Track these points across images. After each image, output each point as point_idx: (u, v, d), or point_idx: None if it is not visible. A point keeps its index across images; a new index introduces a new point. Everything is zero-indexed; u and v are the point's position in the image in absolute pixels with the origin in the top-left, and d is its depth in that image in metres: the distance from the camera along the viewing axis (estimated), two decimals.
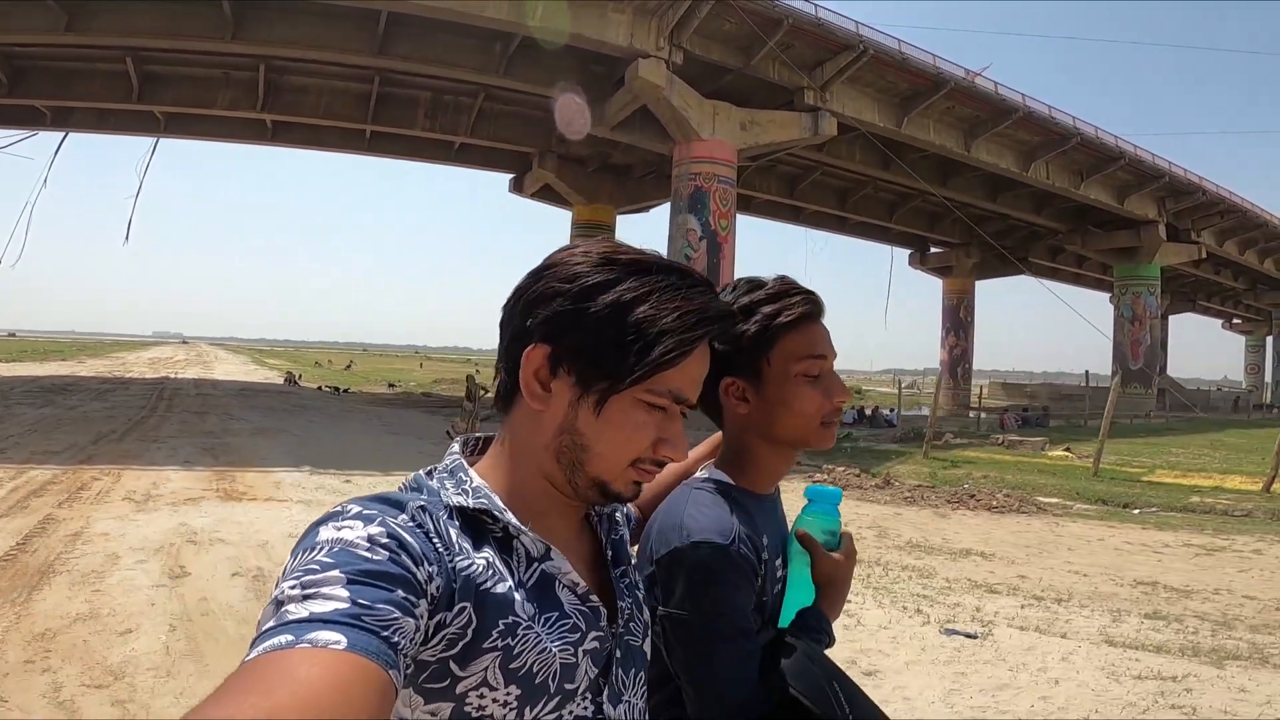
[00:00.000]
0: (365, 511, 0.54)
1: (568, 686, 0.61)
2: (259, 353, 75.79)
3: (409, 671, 0.52)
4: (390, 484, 7.05)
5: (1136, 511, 7.86)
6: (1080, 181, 25.05)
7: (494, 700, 0.57)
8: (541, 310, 0.62)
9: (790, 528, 0.92)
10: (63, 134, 20.88)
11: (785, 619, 0.86)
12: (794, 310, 0.85)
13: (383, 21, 16.19)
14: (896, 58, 19.04)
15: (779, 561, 0.88)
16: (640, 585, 0.75)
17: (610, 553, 0.72)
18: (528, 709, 0.59)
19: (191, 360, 42.55)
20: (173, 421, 11.84)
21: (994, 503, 7.93)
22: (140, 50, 17.17)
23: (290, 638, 0.42)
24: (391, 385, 27.31)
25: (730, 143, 18.27)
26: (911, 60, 19.42)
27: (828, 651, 0.83)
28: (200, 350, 66.66)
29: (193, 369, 31.20)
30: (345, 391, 22.18)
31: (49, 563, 4.46)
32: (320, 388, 22.76)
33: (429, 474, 0.66)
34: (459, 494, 0.62)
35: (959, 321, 33.09)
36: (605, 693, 0.65)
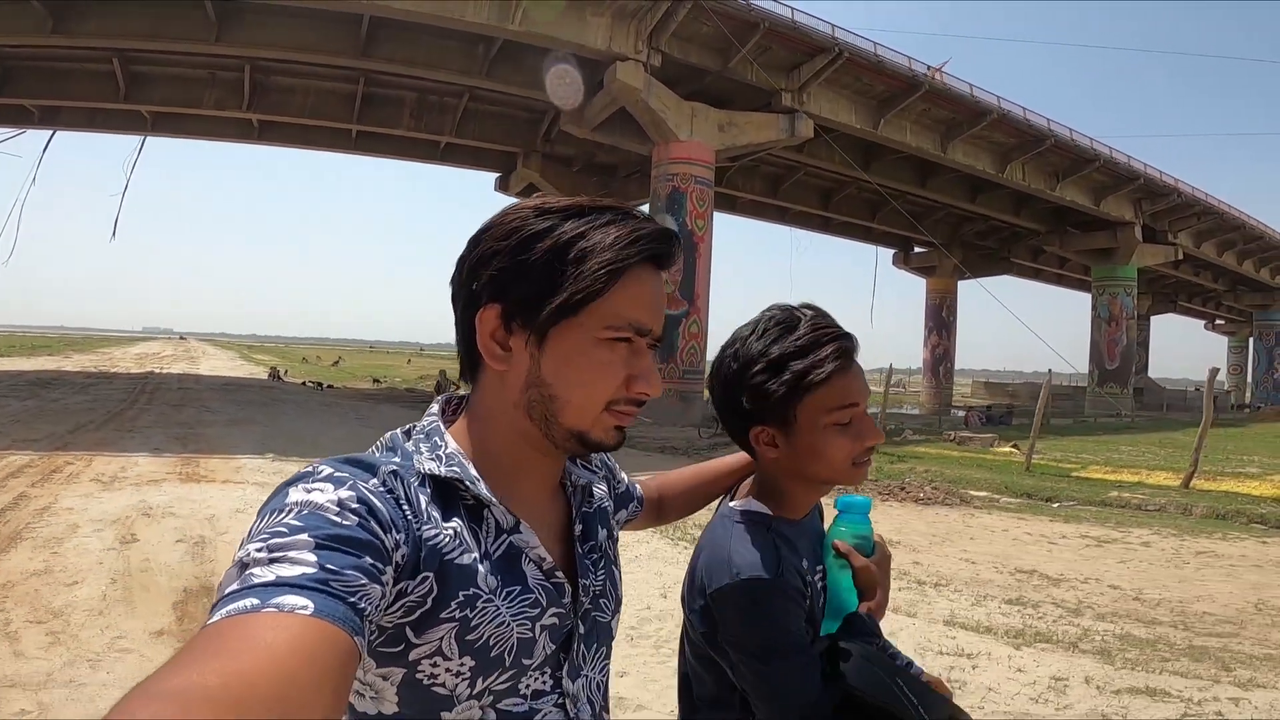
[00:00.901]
0: (336, 474, 0.54)
1: (524, 661, 0.62)
2: (248, 349, 75.92)
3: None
4: None
5: (1055, 505, 8.14)
6: (1056, 183, 25.45)
7: (447, 670, 0.58)
8: (484, 271, 0.62)
9: (826, 535, 0.96)
10: (51, 132, 21.15)
11: (828, 626, 0.90)
12: (825, 367, 0.84)
13: (365, 24, 16.51)
14: (872, 60, 19.41)
15: (816, 575, 0.92)
16: (616, 558, 0.76)
17: (580, 526, 0.71)
18: (480, 679, 0.59)
19: (179, 355, 42.66)
20: (150, 413, 12.15)
21: (921, 495, 8.20)
22: (127, 51, 17.45)
23: (256, 601, 0.41)
24: (376, 381, 27.58)
25: (708, 144, 18.60)
26: (886, 63, 19.79)
27: None
28: (189, 346, 66.76)
29: (179, 364, 31.36)
30: (329, 387, 22.45)
31: (17, 531, 4.90)
32: (304, 383, 23.05)
33: (406, 434, 0.65)
34: (433, 459, 0.61)
35: (941, 321, 33.51)
36: (565, 667, 0.65)
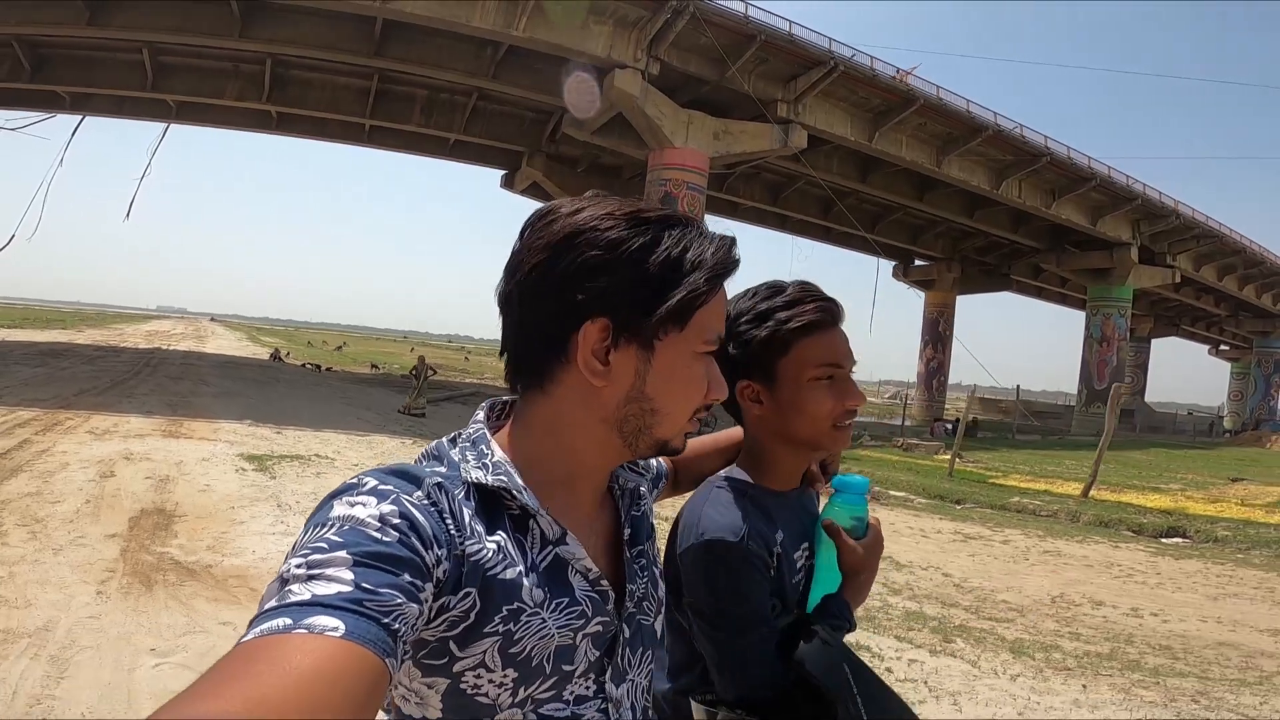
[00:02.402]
0: (380, 487, 0.53)
1: (565, 668, 0.61)
2: (257, 330, 77.73)
3: (406, 654, 0.52)
4: (318, 439, 8.15)
5: (959, 506, 8.68)
6: (1053, 201, 25.70)
7: (490, 680, 0.58)
8: (591, 284, 0.59)
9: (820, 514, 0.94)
10: (80, 117, 22.23)
11: (811, 604, 0.89)
12: (805, 316, 0.86)
13: (379, 25, 17.35)
14: (867, 74, 19.90)
15: (799, 552, 0.91)
16: (658, 562, 0.75)
17: (629, 530, 0.71)
18: (522, 688, 0.59)
19: (188, 334, 44.23)
20: (150, 383, 13.15)
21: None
22: (155, 43, 18.45)
23: (289, 621, 0.42)
24: (374, 366, 28.40)
25: (702, 151, 19.22)
26: (881, 76, 20.27)
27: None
28: (199, 325, 68.52)
29: (186, 342, 32.69)
30: (327, 370, 23.30)
31: (18, 465, 5.87)
32: (303, 365, 23.91)
33: (452, 441, 0.65)
34: (479, 468, 0.61)
35: (938, 335, 33.81)
36: (609, 672, 0.65)
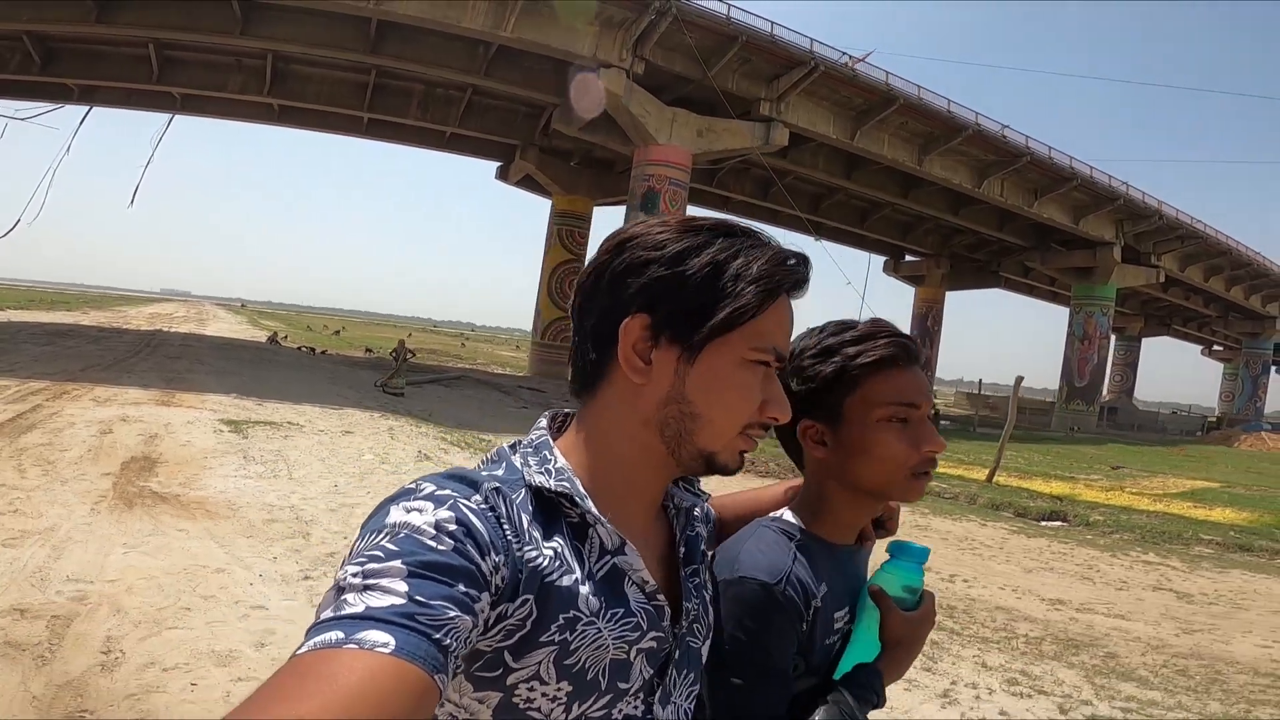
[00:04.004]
0: (438, 492, 0.53)
1: (621, 685, 0.60)
2: (259, 314, 78.86)
3: (459, 666, 0.51)
4: (295, 410, 8.99)
5: None
6: (1035, 200, 26.18)
7: (543, 694, 0.57)
8: (634, 280, 0.61)
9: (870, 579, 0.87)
10: (88, 108, 23.08)
11: (841, 672, 0.82)
12: (874, 353, 0.80)
13: (374, 24, 18.09)
14: (847, 73, 20.47)
15: (840, 613, 0.84)
16: (709, 587, 0.74)
17: (683, 549, 0.70)
18: (576, 704, 0.58)
19: (190, 317, 45.24)
20: (149, 361, 14.13)
21: (766, 470, 9.06)
22: (160, 38, 19.25)
23: (340, 635, 0.42)
24: (368, 350, 29.21)
25: (685, 148, 19.88)
26: (862, 76, 20.85)
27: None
28: (202, 309, 69.84)
29: (187, 325, 33.54)
30: (322, 352, 24.10)
31: (33, 424, 6.85)
32: (300, 348, 24.74)
33: (512, 448, 0.65)
34: (541, 474, 0.61)
35: (926, 330, 34.46)
36: (658, 693, 0.64)
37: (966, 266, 34.84)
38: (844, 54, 20.48)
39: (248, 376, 12.86)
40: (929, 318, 34.53)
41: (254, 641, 2.86)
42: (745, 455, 0.64)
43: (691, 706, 0.70)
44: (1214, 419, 42.85)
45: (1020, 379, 11.47)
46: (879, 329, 0.83)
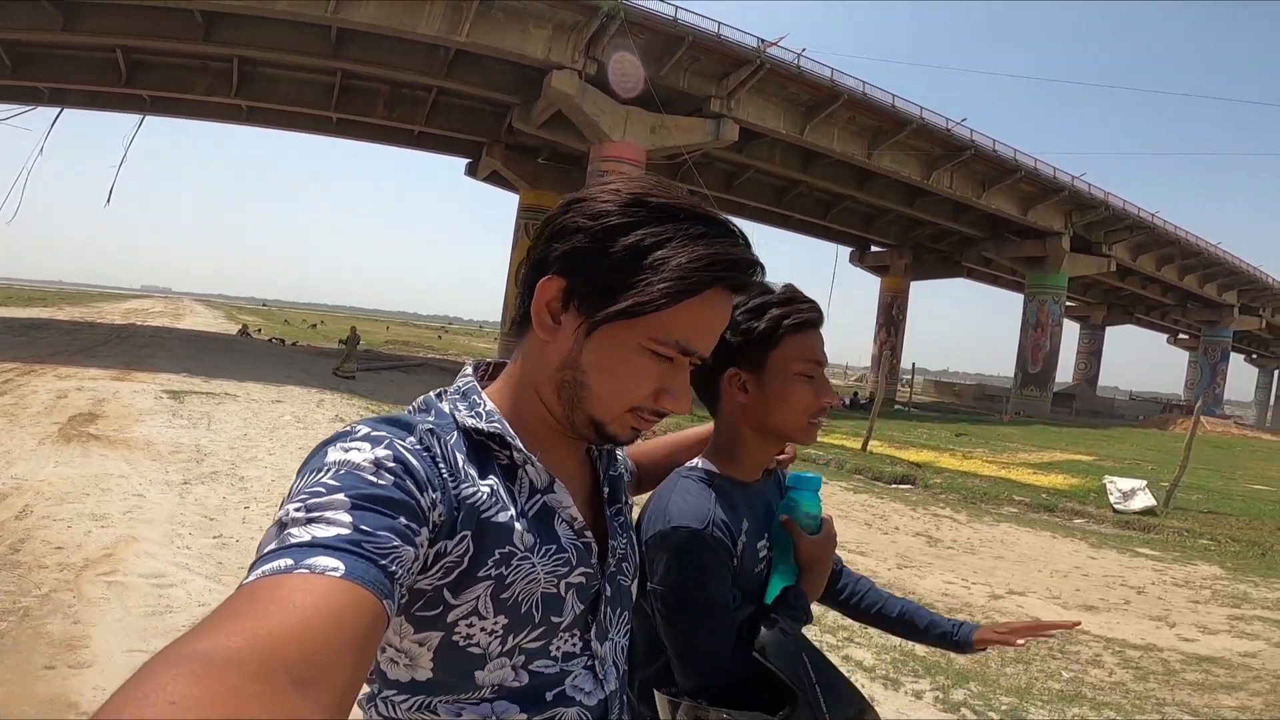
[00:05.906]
0: (373, 434, 0.54)
1: (554, 619, 0.63)
2: (237, 309, 79.45)
3: (403, 600, 0.53)
4: (239, 386, 9.91)
5: None
6: (982, 191, 27.08)
7: (482, 629, 0.59)
8: (561, 244, 0.62)
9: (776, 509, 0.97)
10: (59, 110, 23.68)
11: (770, 597, 0.92)
12: (801, 315, 0.92)
13: (334, 30, 18.75)
14: (792, 70, 21.32)
15: (761, 543, 0.94)
16: (633, 526, 0.78)
17: (607, 489, 0.73)
18: (511, 636, 0.60)
19: (165, 311, 46.09)
20: (116, 349, 15.12)
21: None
22: (127, 44, 19.87)
23: (290, 561, 0.42)
24: (341, 342, 29.88)
25: (639, 145, 20.69)
26: (806, 73, 21.70)
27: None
28: (178, 304, 70.36)
29: (162, 319, 34.31)
30: (292, 344, 24.69)
31: (2, 392, 7.89)
32: (270, 340, 25.33)
33: (439, 395, 0.67)
34: (472, 416, 0.63)
35: (891, 319, 35.35)
36: (594, 630, 0.67)
37: (930, 257, 35.71)
38: (762, 40, 20.93)
39: (207, 362, 13.73)
40: (894, 307, 35.44)
41: (124, 510, 3.93)
42: (638, 431, 0.66)
43: (626, 643, 0.74)
44: (1167, 406, 44.12)
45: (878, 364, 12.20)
46: (797, 295, 0.95)
